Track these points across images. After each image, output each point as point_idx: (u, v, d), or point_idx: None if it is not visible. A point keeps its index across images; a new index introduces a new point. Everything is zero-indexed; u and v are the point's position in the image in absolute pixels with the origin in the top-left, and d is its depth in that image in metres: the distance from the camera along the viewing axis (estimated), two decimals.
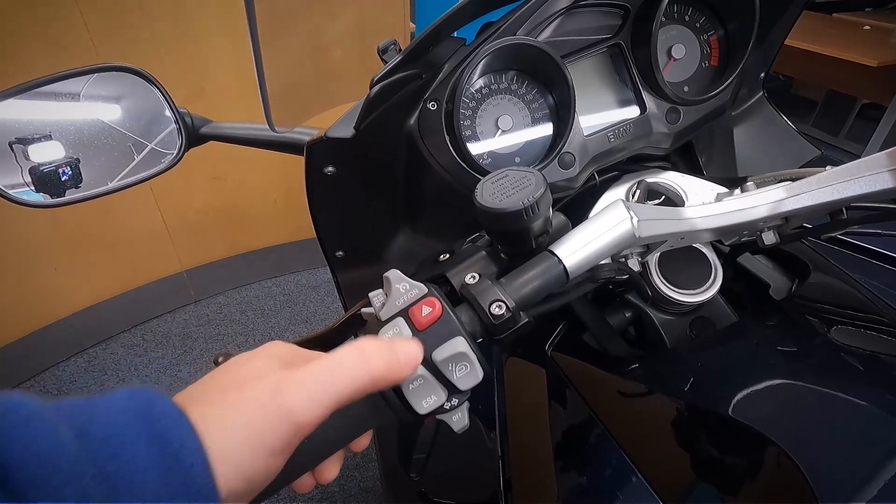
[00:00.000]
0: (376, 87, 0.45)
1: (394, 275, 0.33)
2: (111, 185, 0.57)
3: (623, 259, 0.46)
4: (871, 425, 0.39)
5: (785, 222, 0.49)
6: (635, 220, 0.37)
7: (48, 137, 0.60)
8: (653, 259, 0.53)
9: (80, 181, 0.62)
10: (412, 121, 0.55)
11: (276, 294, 2.25)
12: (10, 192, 0.53)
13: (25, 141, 0.59)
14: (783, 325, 0.51)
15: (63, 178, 0.62)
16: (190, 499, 0.21)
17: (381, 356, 0.27)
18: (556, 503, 0.46)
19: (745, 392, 0.44)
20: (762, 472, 0.39)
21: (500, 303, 0.33)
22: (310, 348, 0.36)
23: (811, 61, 2.61)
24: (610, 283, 0.62)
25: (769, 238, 0.48)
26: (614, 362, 0.54)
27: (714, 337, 0.53)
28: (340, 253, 0.65)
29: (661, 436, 0.46)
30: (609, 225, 0.36)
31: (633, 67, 0.58)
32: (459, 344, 0.30)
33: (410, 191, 0.63)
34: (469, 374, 0.30)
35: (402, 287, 0.32)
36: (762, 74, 0.72)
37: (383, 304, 0.32)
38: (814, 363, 0.47)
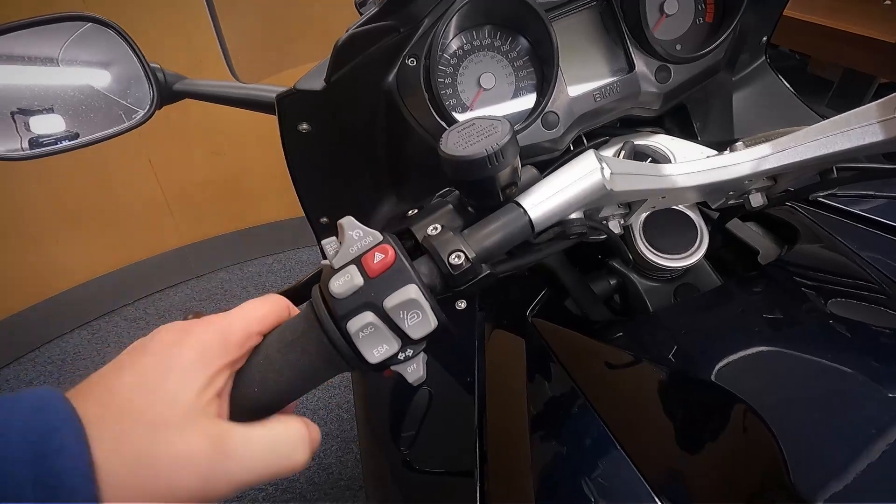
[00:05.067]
0: (345, 35, 0.43)
1: (347, 222, 0.32)
2: (81, 140, 0.56)
3: (604, 221, 0.44)
4: (855, 399, 0.38)
5: (774, 183, 0.47)
6: (607, 171, 0.35)
7: (50, 111, 0.59)
8: (637, 222, 0.52)
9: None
10: (391, 77, 0.53)
11: (277, 270, 2.26)
12: None
13: (27, 112, 0.59)
14: (768, 290, 0.49)
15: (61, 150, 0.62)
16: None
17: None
18: (528, 474, 0.45)
19: (727, 360, 0.43)
20: (740, 443, 0.38)
21: (459, 252, 0.32)
22: None
23: (828, 38, 2.53)
24: (599, 253, 0.61)
25: (756, 200, 0.47)
26: (594, 328, 0.53)
27: (696, 301, 0.52)
28: (325, 220, 0.64)
29: (639, 402, 0.45)
30: (578, 175, 0.35)
31: (623, 24, 0.55)
32: (411, 291, 0.29)
33: (393, 155, 0.62)
34: (421, 323, 0.29)
35: (355, 234, 0.31)
36: (764, 39, 0.69)
37: (337, 252, 0.31)
38: (800, 331, 0.46)
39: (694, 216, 0.52)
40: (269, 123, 0.66)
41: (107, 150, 1.79)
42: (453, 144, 0.34)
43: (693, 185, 0.41)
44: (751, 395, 0.38)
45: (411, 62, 0.52)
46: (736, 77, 0.70)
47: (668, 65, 0.56)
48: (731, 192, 0.46)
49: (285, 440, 0.29)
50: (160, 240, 2.07)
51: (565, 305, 0.57)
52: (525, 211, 0.34)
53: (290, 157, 0.55)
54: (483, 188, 0.35)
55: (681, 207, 0.52)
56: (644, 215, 0.51)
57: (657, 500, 0.36)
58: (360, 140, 0.58)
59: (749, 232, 0.57)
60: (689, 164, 0.41)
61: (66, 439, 0.22)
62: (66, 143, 0.56)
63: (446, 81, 0.54)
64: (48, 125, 0.60)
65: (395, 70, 0.53)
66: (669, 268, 0.51)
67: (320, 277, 0.43)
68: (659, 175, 0.40)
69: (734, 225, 0.57)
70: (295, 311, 0.33)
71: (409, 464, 0.62)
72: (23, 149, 0.57)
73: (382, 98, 0.54)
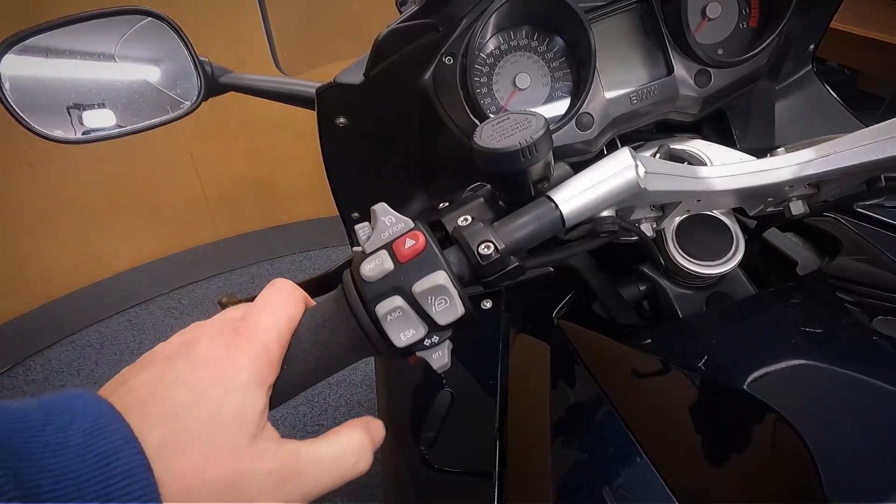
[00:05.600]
0: (385, 31, 0.44)
1: (380, 208, 0.32)
2: (131, 127, 0.59)
3: (637, 224, 0.44)
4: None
5: (816, 191, 0.45)
6: (641, 170, 0.35)
7: (102, 105, 0.62)
8: (670, 227, 0.51)
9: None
10: (427, 75, 0.54)
11: (307, 267, 2.30)
12: (41, 129, 0.56)
13: (81, 107, 0.62)
14: (807, 302, 0.47)
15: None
16: None
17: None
18: (548, 478, 0.45)
19: (761, 371, 0.41)
20: (771, 454, 0.36)
21: (488, 243, 0.32)
22: (307, 290, 0.37)
23: (879, 52, 2.42)
24: (629, 259, 0.60)
25: (797, 208, 0.45)
26: (622, 332, 0.52)
27: (730, 310, 0.50)
28: (356, 214, 0.65)
29: (666, 410, 0.44)
30: (611, 171, 0.35)
31: (663, 27, 0.55)
32: (440, 277, 0.29)
33: (426, 152, 0.63)
34: (448, 309, 0.30)
35: (388, 220, 0.32)
36: (811, 47, 0.67)
37: (369, 237, 0.32)
38: (840, 345, 0.44)
39: (730, 223, 0.50)
40: (305, 124, 0.67)
41: (152, 144, 1.87)
42: (487, 137, 0.34)
43: (730, 188, 0.40)
44: (784, 406, 0.36)
45: (448, 60, 0.53)
46: (780, 86, 0.68)
47: (709, 69, 0.55)
48: (770, 199, 0.45)
49: (350, 451, 0.30)
50: (197, 233, 2.14)
51: (592, 309, 0.57)
52: (556, 205, 0.34)
53: (326, 150, 0.57)
54: (515, 182, 0.35)
55: (716, 213, 0.51)
56: (678, 219, 0.50)
57: None
58: (395, 135, 0.59)
59: (788, 242, 0.56)
60: (726, 166, 0.40)
61: (133, 479, 0.22)
62: (116, 130, 0.59)
63: (482, 81, 0.54)
64: (100, 119, 0.63)
65: (432, 68, 0.54)
66: (702, 275, 0.50)
67: (338, 271, 0.44)
68: (695, 177, 0.39)
69: (772, 234, 0.56)
70: (311, 302, 0.34)
71: (428, 462, 0.63)
72: (76, 134, 0.60)
73: (418, 95, 0.55)
